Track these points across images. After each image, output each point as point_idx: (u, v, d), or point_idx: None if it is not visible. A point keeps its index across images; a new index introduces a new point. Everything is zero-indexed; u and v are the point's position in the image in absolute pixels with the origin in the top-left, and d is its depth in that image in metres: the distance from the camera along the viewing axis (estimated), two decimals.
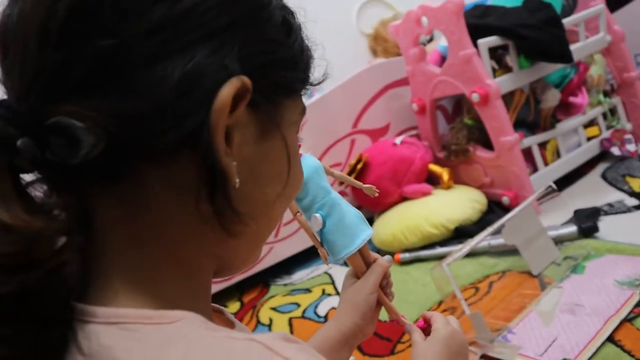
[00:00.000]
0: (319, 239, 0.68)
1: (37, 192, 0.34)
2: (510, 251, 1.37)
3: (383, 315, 0.74)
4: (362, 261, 0.71)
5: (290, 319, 1.42)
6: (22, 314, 0.31)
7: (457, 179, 1.79)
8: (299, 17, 0.41)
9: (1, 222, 0.29)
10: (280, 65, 0.38)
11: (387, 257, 0.73)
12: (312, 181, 0.64)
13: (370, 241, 1.87)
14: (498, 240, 1.41)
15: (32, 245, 0.30)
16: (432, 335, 0.65)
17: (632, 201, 1.50)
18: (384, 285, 0.73)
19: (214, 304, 0.47)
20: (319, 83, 0.43)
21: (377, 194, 0.71)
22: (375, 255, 0.73)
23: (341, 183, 1.75)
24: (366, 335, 0.71)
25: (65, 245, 0.32)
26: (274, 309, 1.51)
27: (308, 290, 1.57)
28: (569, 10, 1.81)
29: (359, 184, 0.76)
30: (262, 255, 1.69)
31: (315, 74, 0.43)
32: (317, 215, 0.65)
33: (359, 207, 2.05)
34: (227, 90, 0.33)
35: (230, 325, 0.47)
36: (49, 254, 0.31)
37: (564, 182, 1.75)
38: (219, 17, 0.33)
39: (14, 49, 0.32)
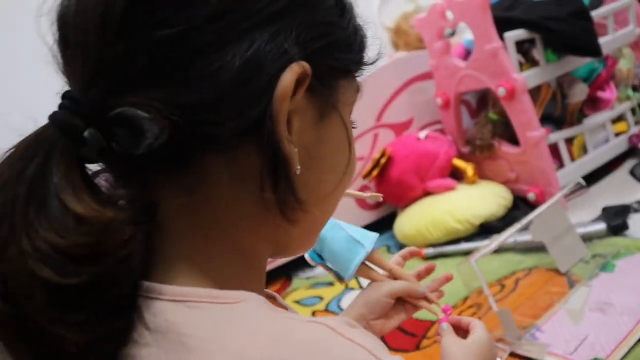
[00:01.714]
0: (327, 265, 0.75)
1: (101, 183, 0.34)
2: (536, 248, 1.36)
3: None
4: (373, 272, 0.73)
5: (313, 313, 1.42)
6: (94, 302, 0.31)
7: (482, 175, 1.77)
8: None
9: (75, 213, 0.29)
10: (336, 48, 0.37)
11: (422, 289, 0.71)
12: None
13: (393, 236, 1.85)
14: (524, 237, 1.40)
15: (103, 237, 0.30)
16: (473, 337, 0.66)
17: None
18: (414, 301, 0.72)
19: (266, 290, 0.47)
20: (374, 62, 0.43)
21: (381, 199, 0.72)
22: (394, 266, 0.72)
23: (365, 177, 1.75)
24: (376, 331, 0.70)
25: (133, 236, 0.32)
26: (297, 302, 1.51)
27: (331, 284, 1.57)
28: (597, 2, 1.77)
29: (360, 194, 0.76)
30: None
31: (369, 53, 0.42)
32: (307, 256, 0.73)
33: (383, 202, 2.00)
34: (289, 77, 0.32)
35: (285, 310, 0.47)
36: (118, 245, 0.31)
37: (591, 178, 1.72)
38: (276, 1, 0.33)
39: (75, 40, 0.32)
